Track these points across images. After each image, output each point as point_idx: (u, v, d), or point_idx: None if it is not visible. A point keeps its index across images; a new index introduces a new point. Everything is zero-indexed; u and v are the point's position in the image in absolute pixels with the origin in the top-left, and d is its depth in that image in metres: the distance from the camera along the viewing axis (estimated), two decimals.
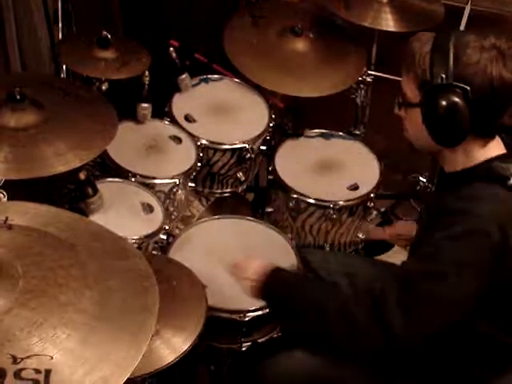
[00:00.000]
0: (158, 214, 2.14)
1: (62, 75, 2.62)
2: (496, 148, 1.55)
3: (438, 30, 1.53)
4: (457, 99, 1.43)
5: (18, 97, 1.81)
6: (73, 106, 1.96)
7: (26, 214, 1.32)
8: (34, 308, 1.11)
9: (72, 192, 1.98)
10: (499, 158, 1.53)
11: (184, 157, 2.36)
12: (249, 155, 2.44)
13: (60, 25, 2.78)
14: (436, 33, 1.51)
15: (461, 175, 1.55)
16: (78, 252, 1.25)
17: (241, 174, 2.51)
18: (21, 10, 2.82)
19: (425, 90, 1.48)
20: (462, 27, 2.60)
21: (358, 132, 2.85)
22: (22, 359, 1.02)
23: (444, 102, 1.44)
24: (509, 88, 1.45)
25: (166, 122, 2.47)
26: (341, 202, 2.35)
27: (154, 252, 2.10)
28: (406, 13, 2.59)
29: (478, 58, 1.43)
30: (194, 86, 2.61)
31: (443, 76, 1.44)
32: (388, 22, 2.57)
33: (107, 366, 1.08)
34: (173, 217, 2.28)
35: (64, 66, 2.60)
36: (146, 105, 2.39)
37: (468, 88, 1.42)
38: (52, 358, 1.04)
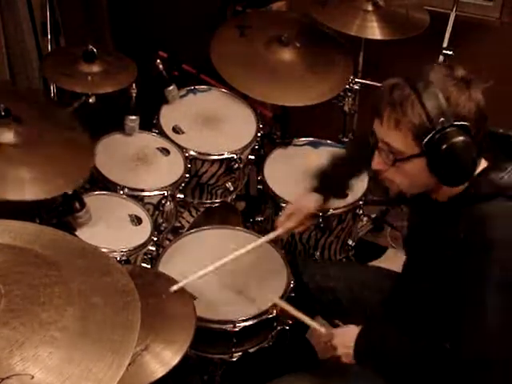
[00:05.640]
0: (147, 225, 2.15)
1: (52, 88, 2.63)
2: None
3: (404, 75, 1.48)
4: (464, 138, 1.42)
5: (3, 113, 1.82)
6: (51, 130, 1.96)
7: (10, 232, 1.32)
8: (15, 327, 1.11)
9: (60, 206, 1.99)
10: (487, 170, 1.52)
11: (172, 168, 2.37)
12: (237, 165, 2.45)
13: (49, 37, 2.80)
14: (404, 77, 1.47)
15: (456, 200, 1.54)
16: (61, 269, 1.25)
17: (230, 183, 2.52)
18: (10, 24, 2.84)
19: (426, 138, 1.43)
20: (447, 33, 2.61)
21: (346, 140, 2.86)
22: (2, 380, 1.02)
23: (454, 145, 1.41)
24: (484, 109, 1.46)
25: (154, 134, 2.49)
26: (330, 210, 2.35)
27: (144, 264, 2.12)
28: (391, 21, 2.61)
29: (464, 93, 1.43)
30: (181, 97, 2.62)
31: (443, 119, 1.41)
32: (374, 30, 2.59)
33: (89, 382, 1.08)
34: (162, 228, 2.28)
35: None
36: (133, 117, 2.40)
37: (467, 124, 1.42)
38: (33, 377, 1.04)
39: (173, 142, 2.45)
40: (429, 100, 1.42)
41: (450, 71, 1.46)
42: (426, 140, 1.44)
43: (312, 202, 2.01)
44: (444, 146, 1.42)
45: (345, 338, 1.72)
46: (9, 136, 1.81)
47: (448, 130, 1.42)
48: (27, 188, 1.75)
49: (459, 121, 1.42)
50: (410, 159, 1.49)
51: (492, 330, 1.46)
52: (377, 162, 1.56)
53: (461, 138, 1.42)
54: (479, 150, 1.47)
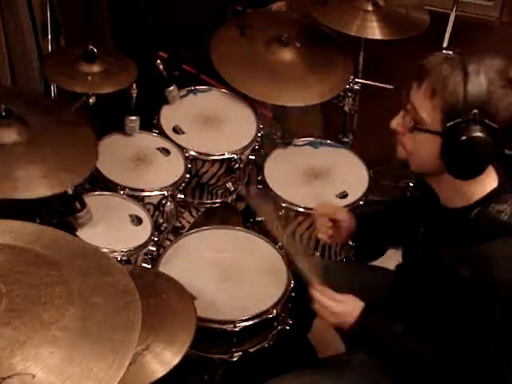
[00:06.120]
0: (147, 225, 2.15)
1: (53, 89, 2.63)
2: (490, 176, 1.52)
3: (463, 51, 1.47)
4: (487, 138, 1.39)
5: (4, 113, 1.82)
6: (54, 127, 1.96)
7: (10, 232, 1.32)
8: (16, 327, 1.11)
9: (60, 207, 1.99)
10: (493, 194, 1.50)
11: (172, 168, 2.37)
12: (237, 165, 2.45)
13: (49, 37, 2.80)
14: (461, 55, 1.45)
15: (461, 218, 1.51)
16: (61, 269, 1.25)
17: (230, 184, 2.52)
18: (11, 24, 2.84)
19: (453, 121, 1.41)
20: (447, 33, 2.62)
21: (346, 140, 2.86)
22: (4, 379, 1.02)
23: (474, 141, 1.40)
24: None
25: (154, 134, 2.48)
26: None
27: (144, 264, 2.12)
28: (391, 21, 2.61)
29: (508, 96, 1.40)
30: (182, 97, 2.62)
31: (476, 112, 1.39)
32: (374, 30, 2.59)
33: (90, 382, 1.08)
34: (162, 228, 2.29)
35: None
36: (133, 117, 2.40)
37: (497, 127, 1.40)
38: (34, 376, 1.05)
39: (173, 142, 2.45)
40: (473, 87, 1.39)
41: (505, 68, 1.43)
42: (450, 123, 1.41)
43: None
44: (463, 138, 1.40)
45: (350, 308, 1.70)
46: (12, 136, 1.81)
47: (476, 125, 1.40)
48: (38, 185, 1.75)
49: (491, 120, 1.40)
50: (428, 132, 1.47)
51: (489, 370, 1.49)
52: (397, 123, 1.54)
53: (483, 137, 1.40)
54: (495, 155, 1.45)
